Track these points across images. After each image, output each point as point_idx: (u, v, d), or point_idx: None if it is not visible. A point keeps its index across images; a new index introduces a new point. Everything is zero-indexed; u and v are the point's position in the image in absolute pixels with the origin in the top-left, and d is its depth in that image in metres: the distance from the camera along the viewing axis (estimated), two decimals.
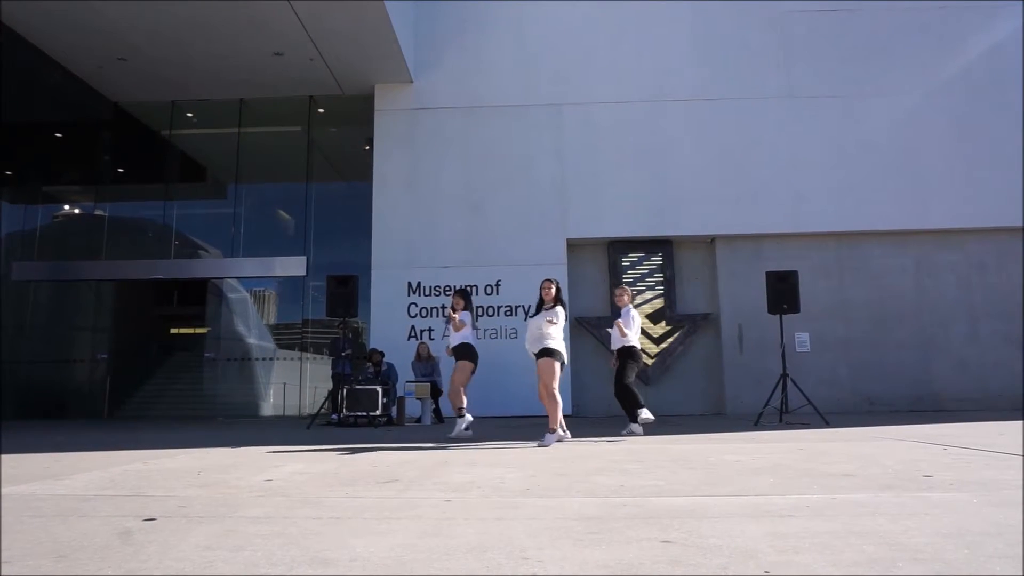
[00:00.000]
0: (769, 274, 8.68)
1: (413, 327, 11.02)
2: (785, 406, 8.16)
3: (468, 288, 9.52)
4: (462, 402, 6.35)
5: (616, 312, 7.31)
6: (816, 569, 1.74)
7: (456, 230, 11.15)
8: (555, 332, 5.85)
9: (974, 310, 10.92)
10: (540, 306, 6.01)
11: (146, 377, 13.08)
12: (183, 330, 13.80)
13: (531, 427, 7.68)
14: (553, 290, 5.98)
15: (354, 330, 11.64)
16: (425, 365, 9.85)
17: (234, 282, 13.57)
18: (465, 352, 6.46)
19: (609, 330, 7.24)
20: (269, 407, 12.87)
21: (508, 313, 11.04)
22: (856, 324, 10.90)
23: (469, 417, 6.37)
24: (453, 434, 6.24)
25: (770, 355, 9.54)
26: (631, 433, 6.52)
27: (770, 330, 9.34)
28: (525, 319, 10.95)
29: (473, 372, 6.46)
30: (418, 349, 10.04)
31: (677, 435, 6.59)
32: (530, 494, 3.05)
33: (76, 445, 6.03)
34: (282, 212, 13.58)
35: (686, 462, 4.22)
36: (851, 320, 10.92)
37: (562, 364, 5.87)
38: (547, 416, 5.68)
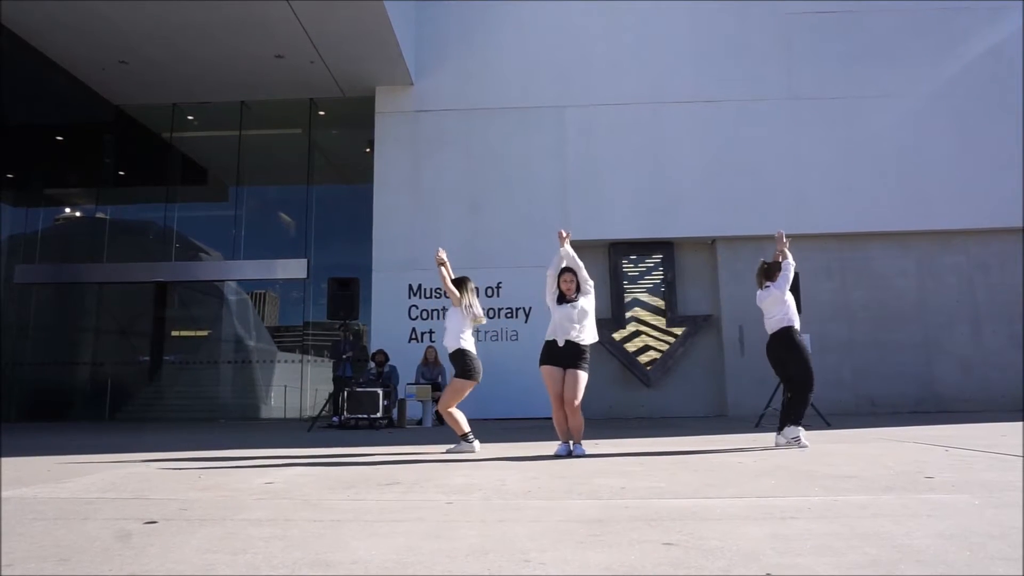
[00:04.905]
0: None
1: (414, 329, 11.01)
2: None
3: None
4: (460, 428, 5.26)
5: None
6: (818, 571, 1.74)
7: (457, 232, 11.15)
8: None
9: (976, 311, 10.90)
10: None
11: (148, 379, 13.09)
12: (184, 332, 13.82)
13: (532, 429, 7.68)
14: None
15: (355, 332, 11.65)
16: (432, 370, 9.84)
17: (235, 284, 13.58)
18: (461, 364, 5.27)
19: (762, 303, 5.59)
20: (270, 409, 12.87)
21: (509, 315, 11.04)
22: (858, 325, 10.89)
23: (477, 444, 5.29)
24: (455, 450, 5.27)
25: None
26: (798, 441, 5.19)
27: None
28: (526, 321, 11.06)
29: (475, 383, 5.32)
30: (425, 353, 10.02)
31: (678, 437, 6.58)
32: (531, 496, 3.05)
33: (78, 448, 6.03)
34: (283, 214, 13.59)
35: (687, 464, 4.21)
36: (853, 321, 10.91)
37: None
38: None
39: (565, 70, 11.72)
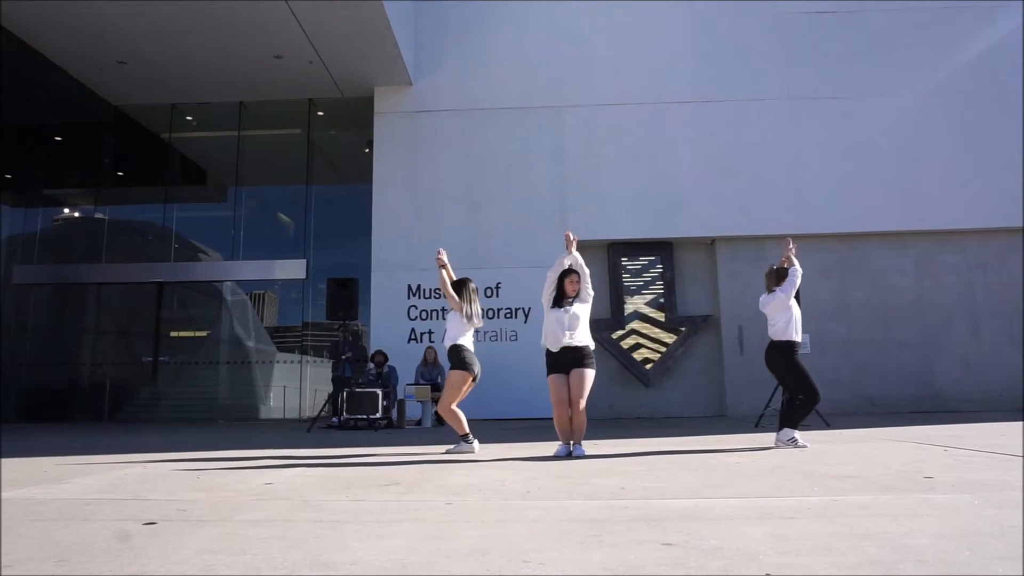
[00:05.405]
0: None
1: (413, 330, 11.01)
2: None
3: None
4: (461, 427, 5.20)
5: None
6: (818, 571, 1.74)
7: (456, 232, 11.14)
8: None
9: (975, 310, 10.90)
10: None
11: (147, 380, 13.08)
12: (183, 333, 13.80)
13: (532, 429, 7.68)
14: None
15: (354, 333, 11.64)
16: (431, 371, 9.84)
17: (234, 285, 13.57)
18: (456, 358, 5.26)
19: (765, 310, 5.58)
20: (269, 410, 12.86)
21: (508, 315, 11.03)
22: (857, 325, 10.89)
23: (476, 445, 5.24)
24: (454, 451, 5.23)
25: None
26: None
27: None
28: (525, 321, 11.07)
29: (474, 381, 5.28)
30: (425, 353, 10.01)
31: (678, 437, 6.58)
32: (531, 496, 3.05)
33: (77, 448, 6.03)
34: (282, 215, 13.58)
35: (687, 464, 4.21)
36: (852, 321, 10.91)
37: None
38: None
39: (564, 70, 11.72)
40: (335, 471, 4.12)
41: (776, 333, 5.40)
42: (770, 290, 5.56)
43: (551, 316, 5.02)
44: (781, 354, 5.35)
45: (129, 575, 1.82)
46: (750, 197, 11.09)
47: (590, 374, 4.90)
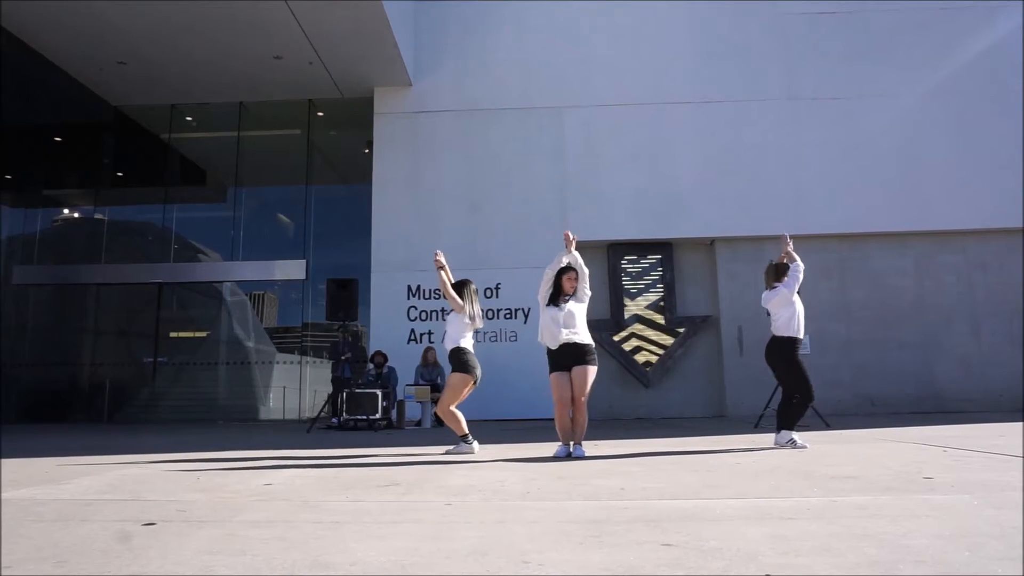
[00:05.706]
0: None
1: (413, 330, 11.01)
2: None
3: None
4: (460, 428, 5.23)
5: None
6: (817, 571, 1.74)
7: (456, 233, 11.14)
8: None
9: (975, 310, 10.90)
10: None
11: (146, 381, 13.07)
12: (183, 334, 13.79)
13: (531, 430, 7.68)
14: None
15: (354, 333, 11.64)
16: (430, 371, 9.84)
17: (234, 285, 13.57)
18: (457, 360, 5.29)
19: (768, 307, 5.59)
20: (269, 411, 12.86)
21: (508, 316, 11.03)
22: (857, 325, 10.89)
23: (476, 445, 5.26)
24: (454, 451, 5.24)
25: None
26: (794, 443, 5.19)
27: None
28: (525, 321, 11.06)
29: (474, 384, 5.31)
30: (424, 354, 10.02)
31: (678, 437, 6.58)
32: (530, 497, 3.05)
33: (76, 449, 6.03)
34: (282, 215, 13.58)
35: (687, 464, 4.21)
36: (852, 321, 10.91)
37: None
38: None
39: (564, 70, 11.72)
40: (335, 472, 4.12)
41: (778, 329, 5.42)
42: (770, 286, 5.57)
43: (547, 314, 5.04)
44: (782, 350, 5.38)
45: (128, 575, 1.82)
46: (750, 197, 11.09)
47: (592, 371, 4.91)
